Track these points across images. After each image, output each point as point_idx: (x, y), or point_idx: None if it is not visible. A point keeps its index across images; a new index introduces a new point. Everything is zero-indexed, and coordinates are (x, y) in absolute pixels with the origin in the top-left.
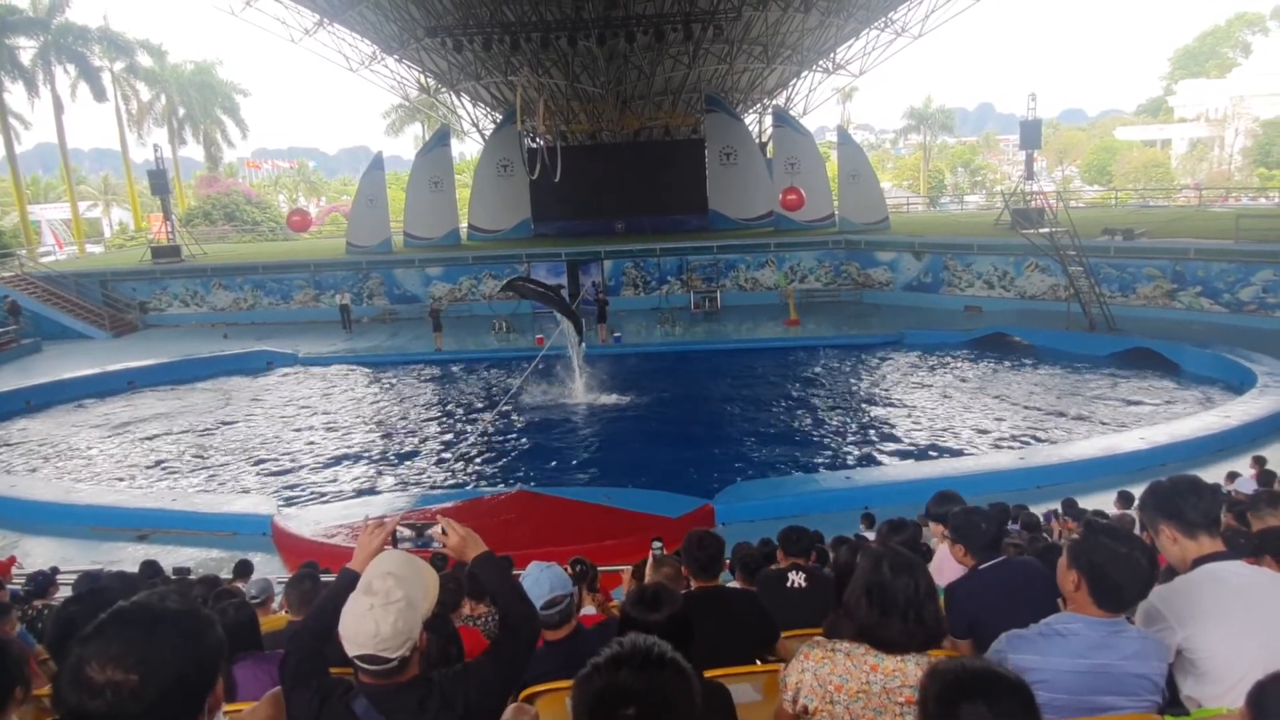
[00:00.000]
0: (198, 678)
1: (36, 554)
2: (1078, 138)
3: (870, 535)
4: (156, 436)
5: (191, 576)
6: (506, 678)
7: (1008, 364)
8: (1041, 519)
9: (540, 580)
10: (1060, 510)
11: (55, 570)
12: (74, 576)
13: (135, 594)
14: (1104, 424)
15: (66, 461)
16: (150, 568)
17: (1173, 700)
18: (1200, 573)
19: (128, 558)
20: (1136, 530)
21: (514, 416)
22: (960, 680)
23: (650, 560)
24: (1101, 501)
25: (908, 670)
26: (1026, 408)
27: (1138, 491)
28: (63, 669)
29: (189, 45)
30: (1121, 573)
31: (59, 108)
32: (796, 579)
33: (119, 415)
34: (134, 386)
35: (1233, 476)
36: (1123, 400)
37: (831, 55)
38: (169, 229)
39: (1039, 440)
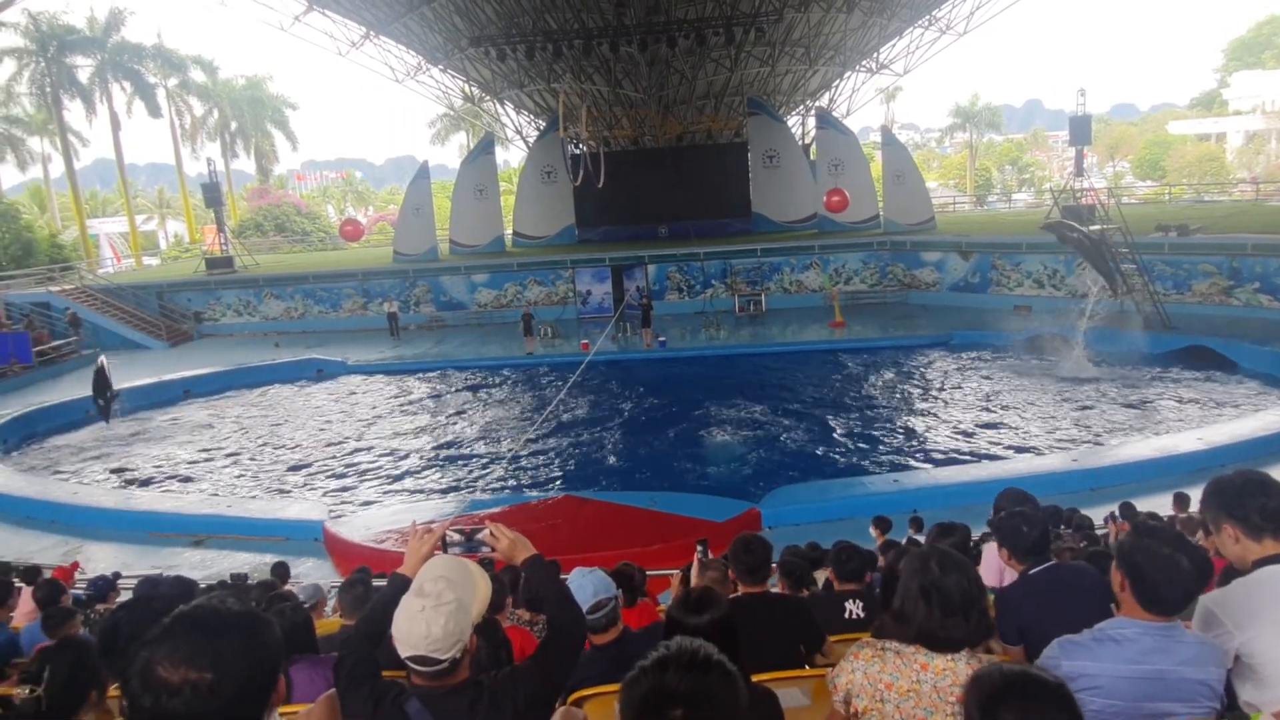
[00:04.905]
0: (262, 675)
1: (97, 559)
2: (1129, 133)
3: (920, 539)
4: (211, 444)
5: (249, 582)
6: (554, 681)
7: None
8: (1105, 521)
9: (583, 585)
10: (1118, 513)
11: (117, 575)
12: (134, 581)
13: (185, 600)
14: (1160, 424)
15: (126, 468)
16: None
17: (1231, 706)
18: (1259, 575)
19: (184, 562)
20: (1201, 534)
21: (560, 422)
22: (999, 685)
23: (695, 564)
24: (1158, 504)
25: (958, 669)
26: (1079, 407)
27: (1195, 493)
28: (131, 672)
29: (240, 60)
30: (1161, 573)
31: (116, 124)
32: (854, 609)
33: (175, 423)
34: (189, 395)
35: None
36: (1179, 400)
37: (875, 55)
38: (222, 240)
39: (1092, 441)
